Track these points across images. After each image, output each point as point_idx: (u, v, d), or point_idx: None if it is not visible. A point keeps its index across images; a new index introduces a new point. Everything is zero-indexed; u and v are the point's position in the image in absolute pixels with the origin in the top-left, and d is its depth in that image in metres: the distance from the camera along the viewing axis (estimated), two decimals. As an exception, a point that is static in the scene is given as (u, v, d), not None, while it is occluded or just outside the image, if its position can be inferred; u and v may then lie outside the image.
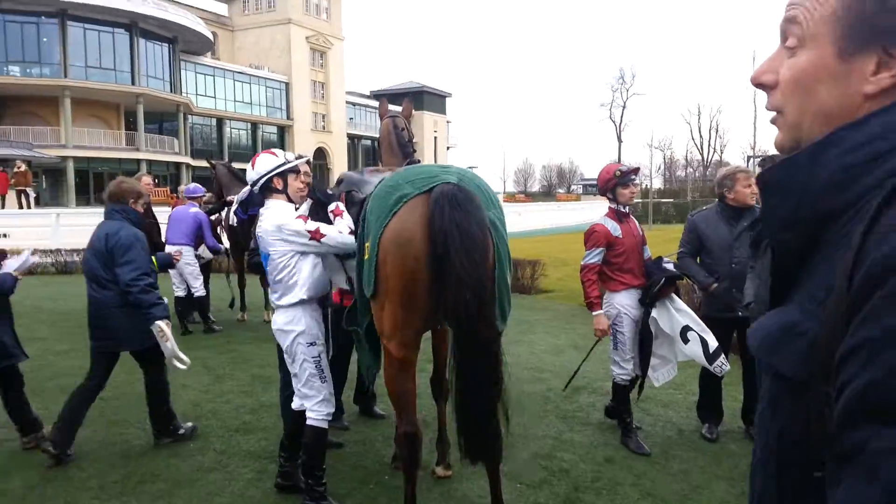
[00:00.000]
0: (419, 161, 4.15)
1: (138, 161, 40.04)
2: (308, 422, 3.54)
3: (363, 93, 67.70)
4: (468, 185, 2.99)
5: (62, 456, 4.11)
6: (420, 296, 2.91)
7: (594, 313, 4.55)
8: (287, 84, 53.85)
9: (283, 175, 3.59)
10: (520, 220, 30.17)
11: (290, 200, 3.64)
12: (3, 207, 21.94)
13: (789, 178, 0.85)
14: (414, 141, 4.28)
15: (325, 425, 3.58)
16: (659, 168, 78.33)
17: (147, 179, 8.88)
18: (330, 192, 3.98)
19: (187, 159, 44.01)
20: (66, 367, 6.33)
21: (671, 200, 47.94)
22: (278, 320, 3.55)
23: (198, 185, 9.12)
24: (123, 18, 39.65)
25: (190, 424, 4.70)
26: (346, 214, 3.55)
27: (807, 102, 0.86)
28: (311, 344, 3.51)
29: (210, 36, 47.66)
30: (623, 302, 4.56)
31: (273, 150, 3.72)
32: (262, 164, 3.57)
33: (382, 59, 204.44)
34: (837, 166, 0.80)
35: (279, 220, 3.41)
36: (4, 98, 37.73)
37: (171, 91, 43.98)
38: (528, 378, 6.13)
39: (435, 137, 72.59)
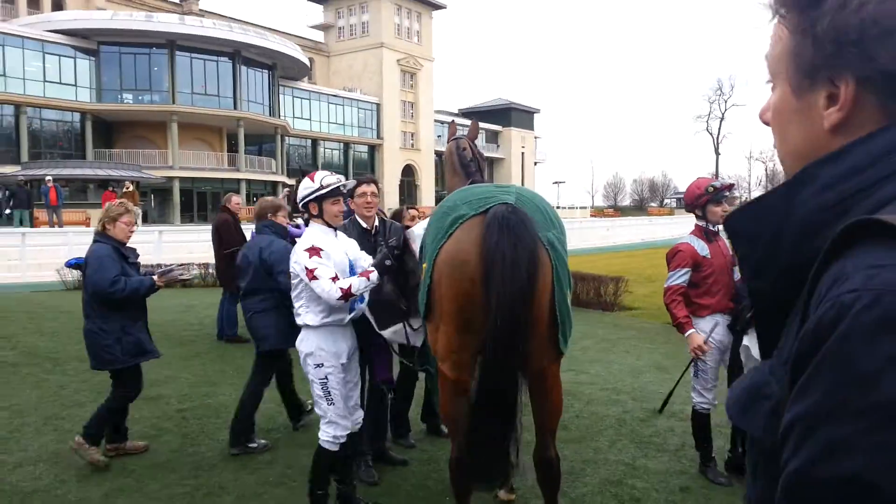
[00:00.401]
0: (483, 181, 4.06)
1: (238, 181, 42.11)
2: (319, 441, 3.65)
3: (451, 111, 68.50)
4: (525, 205, 2.92)
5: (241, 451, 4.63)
6: (475, 318, 2.84)
7: (686, 333, 4.19)
8: (378, 105, 55.42)
9: (318, 200, 3.60)
10: (608, 234, 29.48)
11: (329, 225, 3.65)
12: (114, 226, 23.44)
13: (757, 223, 0.76)
14: (480, 160, 4.20)
15: (330, 447, 3.61)
16: (759, 181, 74.68)
17: (236, 199, 9.28)
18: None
19: (283, 178, 45.92)
20: (151, 378, 6.62)
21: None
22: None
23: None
24: (228, 48, 42.01)
25: (263, 442, 4.79)
26: (327, 262, 3.47)
27: (782, 141, 0.82)
28: (319, 366, 3.55)
29: (307, 62, 49.75)
30: (706, 328, 4.22)
31: (315, 173, 3.70)
32: (301, 190, 3.65)
33: (471, 76, 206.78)
34: (814, 206, 0.70)
35: (298, 245, 3.55)
36: (118, 124, 40.88)
37: (270, 114, 46.12)
38: (602, 399, 5.89)
39: (522, 154, 72.36)
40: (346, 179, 3.83)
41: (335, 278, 3.38)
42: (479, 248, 2.78)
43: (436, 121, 60.51)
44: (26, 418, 5.29)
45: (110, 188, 26.36)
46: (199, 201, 41.96)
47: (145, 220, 29.47)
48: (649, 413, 5.56)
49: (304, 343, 3.59)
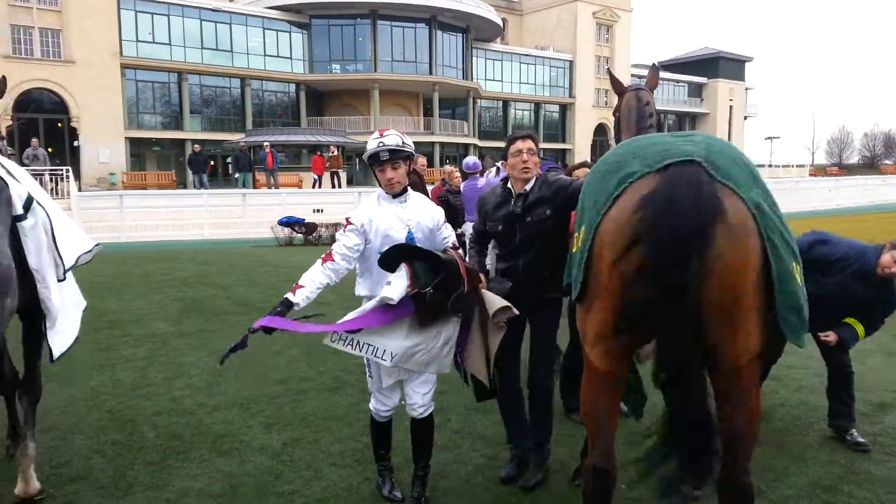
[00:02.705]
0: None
1: (433, 144, 43.47)
2: None
3: (651, 64, 64.47)
4: (717, 159, 2.25)
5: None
6: (638, 301, 2.29)
7: None
8: (571, 62, 53.84)
9: (372, 164, 3.35)
10: (831, 196, 26.14)
11: (391, 192, 3.37)
12: (320, 187, 25.55)
13: None
14: (654, 117, 3.62)
15: (377, 418, 3.51)
16: None
17: (422, 160, 9.36)
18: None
19: (475, 140, 46.59)
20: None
21: None
22: None
23: (476, 160, 9.39)
24: (424, 14, 43.10)
25: None
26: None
27: None
28: None
29: (500, 22, 49.56)
30: None
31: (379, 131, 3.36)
32: None
33: (674, 26, 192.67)
34: None
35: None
36: (328, 93, 44.07)
37: (463, 78, 46.79)
38: (814, 387, 5.08)
39: (731, 107, 66.33)
40: (401, 143, 3.25)
41: (326, 258, 3.23)
42: (650, 218, 2.20)
43: (633, 75, 57.30)
44: (228, 364, 5.77)
45: (318, 153, 28.53)
46: (397, 164, 44.15)
47: (350, 183, 31.58)
48: (874, 407, 4.71)
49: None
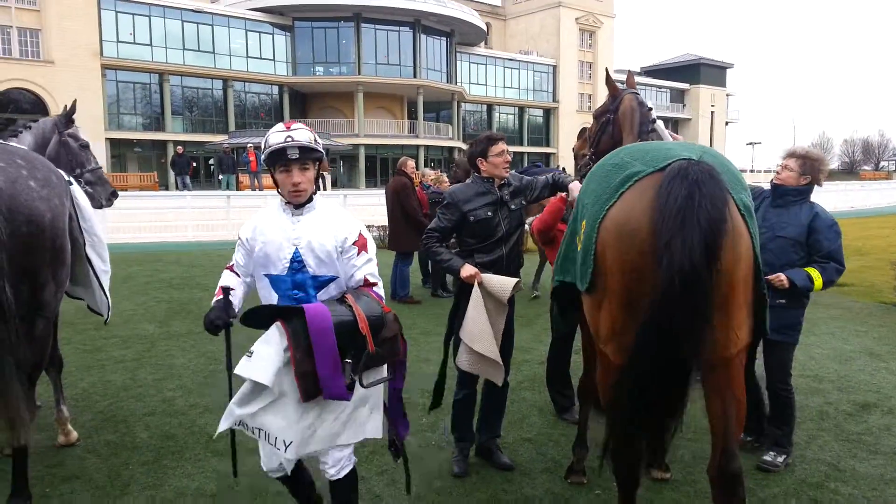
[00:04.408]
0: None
1: (417, 147, 43.51)
2: None
3: (633, 69, 65.13)
4: (712, 163, 2.39)
5: None
6: (644, 298, 2.36)
7: None
8: (554, 67, 54.23)
9: (275, 164, 2.68)
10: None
11: (290, 201, 2.76)
12: (305, 190, 25.37)
13: None
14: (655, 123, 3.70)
15: (270, 474, 2.90)
16: None
17: (411, 163, 9.38)
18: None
19: (459, 143, 46.73)
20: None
21: None
22: None
23: None
24: (408, 17, 43.19)
25: None
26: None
27: None
28: None
29: (484, 27, 49.84)
30: None
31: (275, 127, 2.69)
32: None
33: (656, 32, 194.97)
34: None
35: None
36: (311, 95, 43.96)
37: (448, 81, 46.93)
38: (801, 388, 5.17)
39: (712, 112, 67.13)
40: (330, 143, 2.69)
41: (230, 267, 2.82)
42: (654, 211, 2.30)
43: (616, 81, 57.95)
44: (218, 367, 5.75)
45: (302, 155, 28.38)
46: (381, 167, 44.12)
47: (334, 185, 31.54)
48: (858, 407, 4.81)
49: None
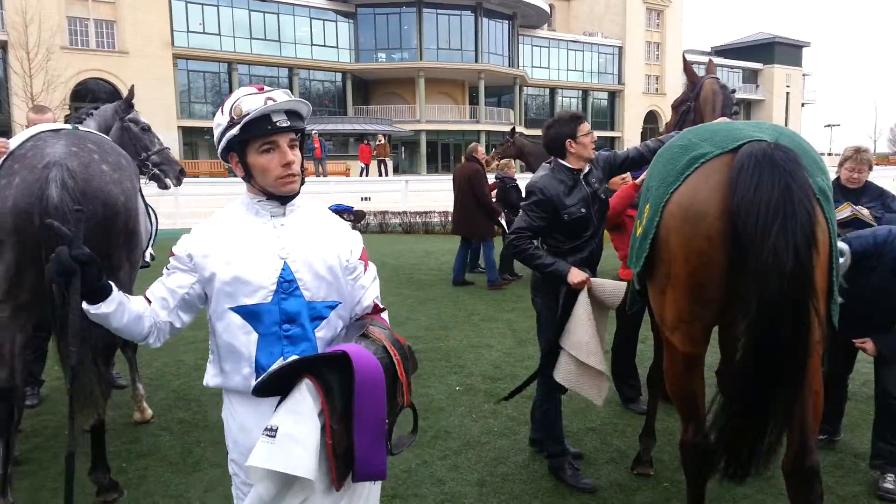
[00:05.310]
0: None
1: (478, 132, 43.33)
2: None
3: (703, 49, 63.00)
4: (788, 144, 2.26)
5: None
6: (713, 285, 2.30)
7: None
8: (620, 48, 52.94)
9: (237, 146, 1.85)
10: (894, 186, 25.08)
11: (271, 195, 1.90)
12: (367, 175, 25.79)
13: None
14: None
15: None
16: None
17: (482, 149, 9.26)
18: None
19: (521, 129, 46.30)
20: (391, 318, 6.98)
21: None
22: None
23: None
24: (470, 1, 42.88)
25: None
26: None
27: None
28: None
29: (547, 8, 49.01)
30: None
31: (230, 96, 1.86)
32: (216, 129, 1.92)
33: (728, 10, 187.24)
34: None
35: None
36: (373, 81, 44.34)
37: (509, 65, 46.46)
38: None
39: (787, 93, 64.26)
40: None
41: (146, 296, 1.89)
42: (724, 197, 2.20)
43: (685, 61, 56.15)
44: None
45: (365, 141, 28.75)
46: (442, 153, 44.23)
47: (396, 171, 31.78)
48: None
49: None
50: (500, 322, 6.87)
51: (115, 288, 1.78)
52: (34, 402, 4.56)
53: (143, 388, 4.45)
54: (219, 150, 1.87)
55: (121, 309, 1.77)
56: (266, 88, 1.85)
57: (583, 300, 3.23)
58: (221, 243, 1.85)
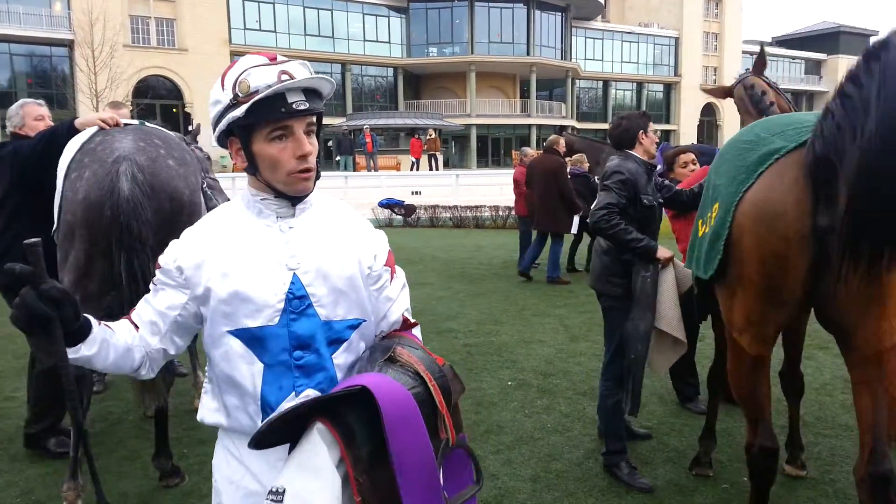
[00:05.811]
0: None
1: (529, 126, 43.04)
2: None
3: (764, 39, 60.94)
4: None
5: None
6: (789, 287, 2.22)
7: None
8: (676, 39, 51.64)
9: (241, 131, 1.47)
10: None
11: (278, 192, 1.50)
12: (417, 169, 25.91)
13: None
14: (778, 92, 3.56)
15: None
16: None
17: (562, 142, 9.11)
18: None
19: (573, 122, 45.75)
20: (443, 312, 7.01)
21: None
22: None
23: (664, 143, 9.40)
24: (522, -7, 42.59)
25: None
26: None
27: None
28: None
29: (602, 0, 48.19)
30: None
31: (231, 68, 1.48)
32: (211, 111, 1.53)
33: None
34: None
35: None
36: (425, 76, 44.49)
37: (562, 58, 45.91)
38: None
39: (852, 85, 61.60)
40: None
41: (128, 317, 1.53)
42: (802, 195, 2.11)
43: (744, 52, 54.38)
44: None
45: (416, 135, 28.89)
46: (493, 147, 44.06)
47: (446, 165, 31.83)
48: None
49: None
50: (552, 317, 6.80)
51: (94, 323, 1.39)
52: (100, 388, 4.72)
53: (203, 375, 4.56)
54: (215, 134, 1.48)
55: (105, 347, 1.41)
56: (280, 59, 1.47)
57: (669, 277, 3.30)
58: (216, 251, 1.47)
